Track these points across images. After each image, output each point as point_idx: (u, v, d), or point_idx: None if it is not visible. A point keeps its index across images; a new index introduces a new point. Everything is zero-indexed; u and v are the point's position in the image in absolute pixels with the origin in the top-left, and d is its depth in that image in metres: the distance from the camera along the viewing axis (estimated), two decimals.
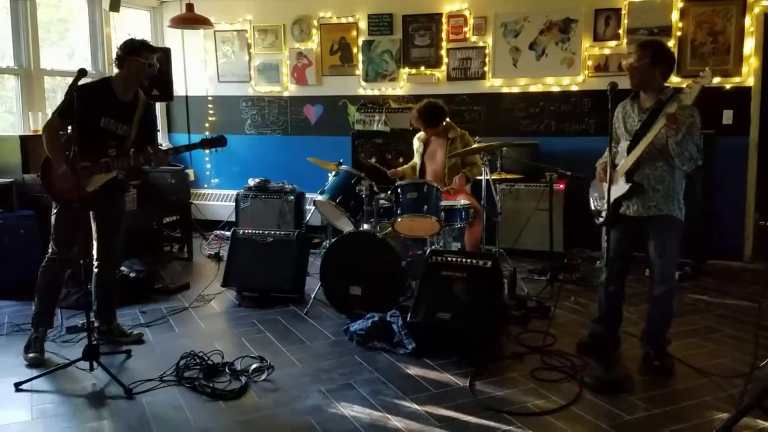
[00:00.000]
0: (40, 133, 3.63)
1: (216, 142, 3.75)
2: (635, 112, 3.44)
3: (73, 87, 3.30)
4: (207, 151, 3.86)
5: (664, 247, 3.40)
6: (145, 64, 3.60)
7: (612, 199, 3.42)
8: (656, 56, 3.31)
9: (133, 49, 3.58)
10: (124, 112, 3.65)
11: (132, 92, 3.69)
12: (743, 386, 2.92)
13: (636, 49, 3.39)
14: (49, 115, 3.67)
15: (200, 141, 3.77)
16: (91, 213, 3.77)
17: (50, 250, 3.67)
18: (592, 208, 3.71)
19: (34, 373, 3.41)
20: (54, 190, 3.59)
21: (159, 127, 7.17)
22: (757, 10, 5.48)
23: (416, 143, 5.19)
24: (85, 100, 3.34)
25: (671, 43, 5.71)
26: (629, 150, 3.36)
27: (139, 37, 3.74)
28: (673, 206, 3.39)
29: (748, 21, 5.51)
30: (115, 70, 3.70)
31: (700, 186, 5.26)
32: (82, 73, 3.34)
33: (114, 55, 3.62)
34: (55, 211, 3.65)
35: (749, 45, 5.53)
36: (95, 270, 3.87)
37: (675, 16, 5.71)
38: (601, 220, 3.57)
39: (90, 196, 3.57)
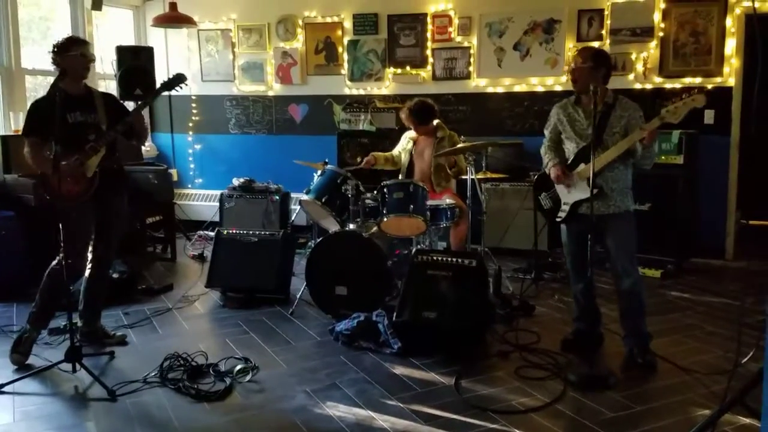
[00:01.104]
0: (21, 132, 3.62)
1: (176, 80, 3.82)
2: (581, 115, 3.53)
3: (54, 86, 3.29)
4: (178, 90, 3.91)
5: (623, 242, 3.51)
6: (77, 56, 3.64)
7: (572, 201, 3.59)
8: (597, 60, 3.47)
9: (61, 48, 3.64)
10: (83, 103, 3.68)
11: (79, 86, 3.74)
12: (727, 383, 2.95)
13: (577, 53, 3.61)
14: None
15: (161, 85, 3.82)
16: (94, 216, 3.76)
17: (62, 255, 3.61)
18: (545, 207, 3.79)
19: (16, 374, 3.38)
20: (60, 195, 3.55)
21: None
22: (738, 11, 5.54)
23: (404, 140, 5.17)
24: (46, 109, 3.36)
25: (653, 44, 5.78)
26: (588, 153, 3.37)
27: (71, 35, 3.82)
28: (628, 201, 3.54)
29: (729, 22, 5.57)
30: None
31: (682, 185, 5.32)
32: (64, 72, 3.32)
33: (51, 60, 3.68)
34: (63, 219, 3.59)
35: (730, 45, 5.59)
36: (88, 271, 3.84)
37: (657, 16, 5.77)
38: (558, 220, 3.71)
39: (92, 184, 3.58)
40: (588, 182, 3.38)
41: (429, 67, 6.46)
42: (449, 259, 3.94)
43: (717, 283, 5.13)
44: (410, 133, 5.16)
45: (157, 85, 3.88)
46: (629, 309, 3.56)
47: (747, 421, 2.85)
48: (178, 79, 3.82)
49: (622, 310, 3.61)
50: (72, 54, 3.62)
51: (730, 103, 5.64)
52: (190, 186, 7.42)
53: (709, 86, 5.65)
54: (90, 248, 3.81)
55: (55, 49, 3.65)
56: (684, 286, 5.04)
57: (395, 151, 5.19)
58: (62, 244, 3.39)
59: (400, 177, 5.02)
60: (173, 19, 6.55)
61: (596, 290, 3.82)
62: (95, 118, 3.69)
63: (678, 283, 5.08)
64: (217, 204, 6.50)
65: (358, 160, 5.10)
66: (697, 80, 5.70)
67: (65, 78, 3.60)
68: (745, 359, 3.41)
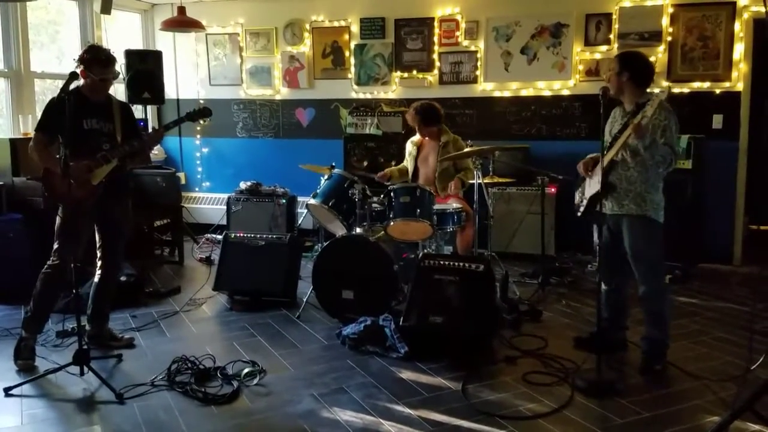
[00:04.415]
0: (30, 135, 3.63)
1: (201, 113, 3.81)
2: (619, 116, 3.56)
3: (64, 90, 3.30)
4: (199, 123, 3.91)
5: (637, 248, 3.46)
6: (96, 80, 3.58)
7: (588, 195, 3.62)
8: (623, 64, 3.45)
9: (82, 65, 3.55)
10: (101, 111, 3.67)
11: (101, 95, 3.71)
12: (738, 389, 2.93)
13: (611, 61, 3.63)
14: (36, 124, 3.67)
15: (186, 114, 3.81)
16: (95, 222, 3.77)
17: (53, 257, 3.64)
18: (575, 201, 3.81)
19: (24, 377, 3.39)
20: (59, 194, 3.57)
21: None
22: (746, 15, 5.52)
23: (409, 146, 5.19)
24: (63, 110, 3.32)
25: (661, 48, 5.76)
26: (607, 151, 3.43)
27: (108, 45, 3.77)
28: (647, 206, 3.42)
29: (737, 26, 5.56)
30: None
31: (690, 190, 5.30)
32: (74, 76, 3.34)
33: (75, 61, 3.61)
34: (60, 217, 3.62)
35: (739, 50, 5.57)
36: (97, 276, 3.86)
37: (665, 21, 5.75)
38: (579, 214, 3.73)
39: (95, 193, 3.56)
40: (600, 179, 3.40)
41: (436, 71, 6.46)
42: (456, 263, 3.93)
43: (725, 288, 5.11)
44: (413, 139, 5.16)
45: (182, 114, 3.85)
46: (646, 316, 3.55)
47: (757, 427, 2.83)
48: (203, 113, 3.81)
49: (643, 315, 3.59)
50: (91, 77, 3.55)
51: (739, 108, 5.63)
52: (197, 189, 7.44)
53: (718, 91, 5.64)
54: (99, 254, 3.83)
55: (79, 63, 3.55)
56: (692, 291, 5.01)
57: (404, 162, 5.21)
58: (54, 243, 3.40)
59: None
60: (181, 23, 6.58)
61: (624, 297, 3.72)
62: (111, 128, 3.68)
63: (686, 289, 5.06)
64: (225, 207, 6.53)
65: (365, 164, 5.10)
66: (706, 85, 5.69)
67: (85, 85, 3.59)
68: (755, 365, 3.40)
